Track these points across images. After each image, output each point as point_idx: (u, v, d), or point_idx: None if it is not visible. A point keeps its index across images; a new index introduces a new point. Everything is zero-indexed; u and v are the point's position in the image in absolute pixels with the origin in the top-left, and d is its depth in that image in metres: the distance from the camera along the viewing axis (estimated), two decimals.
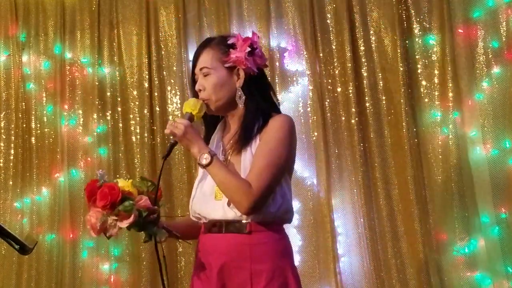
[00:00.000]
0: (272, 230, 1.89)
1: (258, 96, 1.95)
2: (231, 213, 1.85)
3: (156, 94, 3.81)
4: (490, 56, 3.50)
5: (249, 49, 1.92)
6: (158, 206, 1.80)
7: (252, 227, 1.85)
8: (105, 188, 1.70)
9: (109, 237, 1.74)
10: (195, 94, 1.99)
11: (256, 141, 1.90)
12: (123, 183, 1.75)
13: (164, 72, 3.85)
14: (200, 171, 1.98)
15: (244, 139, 1.90)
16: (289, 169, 1.95)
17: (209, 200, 1.90)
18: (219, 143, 2.00)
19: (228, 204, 1.85)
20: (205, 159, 1.82)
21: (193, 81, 2.01)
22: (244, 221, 1.85)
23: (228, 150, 1.93)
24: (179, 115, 3.77)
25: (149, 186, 1.78)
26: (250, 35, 1.99)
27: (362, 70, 3.63)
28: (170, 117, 3.80)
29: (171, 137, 1.88)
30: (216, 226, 1.88)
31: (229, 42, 1.97)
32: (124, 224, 1.70)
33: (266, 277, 1.83)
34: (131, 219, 1.69)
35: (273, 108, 1.99)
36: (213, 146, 1.98)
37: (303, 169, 3.58)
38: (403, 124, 3.52)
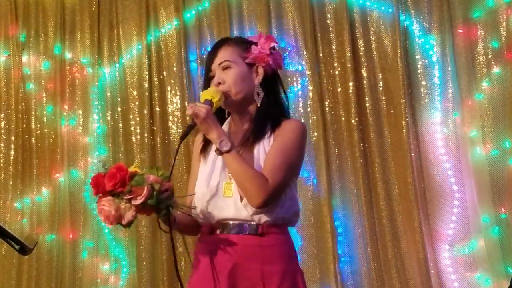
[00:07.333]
0: (281, 232, 1.89)
1: (272, 96, 1.96)
2: (244, 212, 1.83)
3: (156, 94, 3.81)
4: (490, 56, 3.51)
5: (273, 44, 1.94)
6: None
7: (263, 228, 1.84)
8: (112, 169, 1.65)
9: (126, 226, 1.67)
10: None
11: (270, 140, 1.90)
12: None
13: (164, 72, 3.84)
14: (206, 167, 1.95)
15: (256, 136, 1.90)
16: (297, 172, 1.96)
17: (217, 197, 1.88)
18: None
19: (241, 200, 1.83)
20: (225, 145, 1.81)
21: (207, 80, 1.98)
22: (255, 223, 1.84)
23: (238, 147, 1.91)
24: (179, 115, 3.77)
25: (159, 176, 1.72)
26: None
27: (362, 70, 3.63)
28: (170, 118, 3.80)
29: (191, 119, 1.83)
30: (226, 227, 1.86)
31: (250, 39, 1.99)
32: (139, 200, 1.63)
33: (277, 279, 1.83)
34: (145, 191, 1.63)
35: (285, 111, 1.99)
36: None
37: (303, 170, 3.58)
38: (403, 124, 3.52)
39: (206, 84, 1.97)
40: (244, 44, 1.97)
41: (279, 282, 1.82)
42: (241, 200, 1.84)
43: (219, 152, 1.83)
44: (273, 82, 1.97)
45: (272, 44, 1.94)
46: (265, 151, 1.88)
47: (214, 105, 1.86)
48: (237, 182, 1.83)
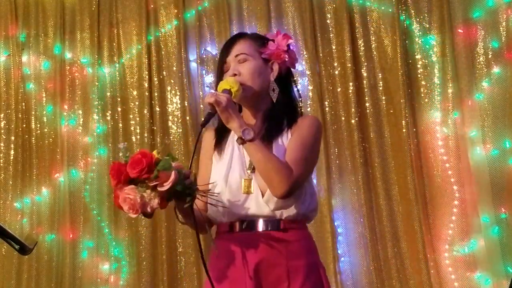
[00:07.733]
0: (302, 227, 1.91)
1: (287, 93, 1.97)
2: (266, 208, 1.83)
3: (156, 94, 3.81)
4: (490, 56, 3.51)
5: (291, 41, 1.96)
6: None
7: (285, 224, 1.85)
8: (137, 155, 1.60)
9: (150, 216, 1.64)
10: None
11: (287, 135, 1.91)
12: None
13: (164, 72, 3.84)
14: (222, 165, 1.93)
15: (273, 131, 1.90)
16: (314, 167, 1.98)
17: (237, 194, 1.86)
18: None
19: (262, 196, 1.83)
20: (248, 134, 1.77)
21: (221, 72, 1.97)
22: (277, 218, 1.84)
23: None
24: (179, 115, 3.77)
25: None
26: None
27: (362, 70, 3.63)
28: (170, 117, 3.80)
29: (211, 107, 1.79)
30: (247, 224, 1.86)
31: (267, 36, 2.00)
32: (166, 185, 1.58)
33: (303, 273, 1.84)
34: (172, 176, 1.58)
35: (298, 109, 2.00)
36: (232, 139, 1.94)
37: None
38: (403, 124, 3.52)
39: (220, 76, 1.96)
40: (261, 40, 1.98)
41: (305, 276, 1.83)
42: (262, 196, 1.84)
43: (241, 141, 1.79)
44: (287, 80, 1.99)
45: (290, 41, 1.96)
46: (284, 146, 1.88)
47: (232, 95, 1.83)
48: (261, 171, 1.81)
